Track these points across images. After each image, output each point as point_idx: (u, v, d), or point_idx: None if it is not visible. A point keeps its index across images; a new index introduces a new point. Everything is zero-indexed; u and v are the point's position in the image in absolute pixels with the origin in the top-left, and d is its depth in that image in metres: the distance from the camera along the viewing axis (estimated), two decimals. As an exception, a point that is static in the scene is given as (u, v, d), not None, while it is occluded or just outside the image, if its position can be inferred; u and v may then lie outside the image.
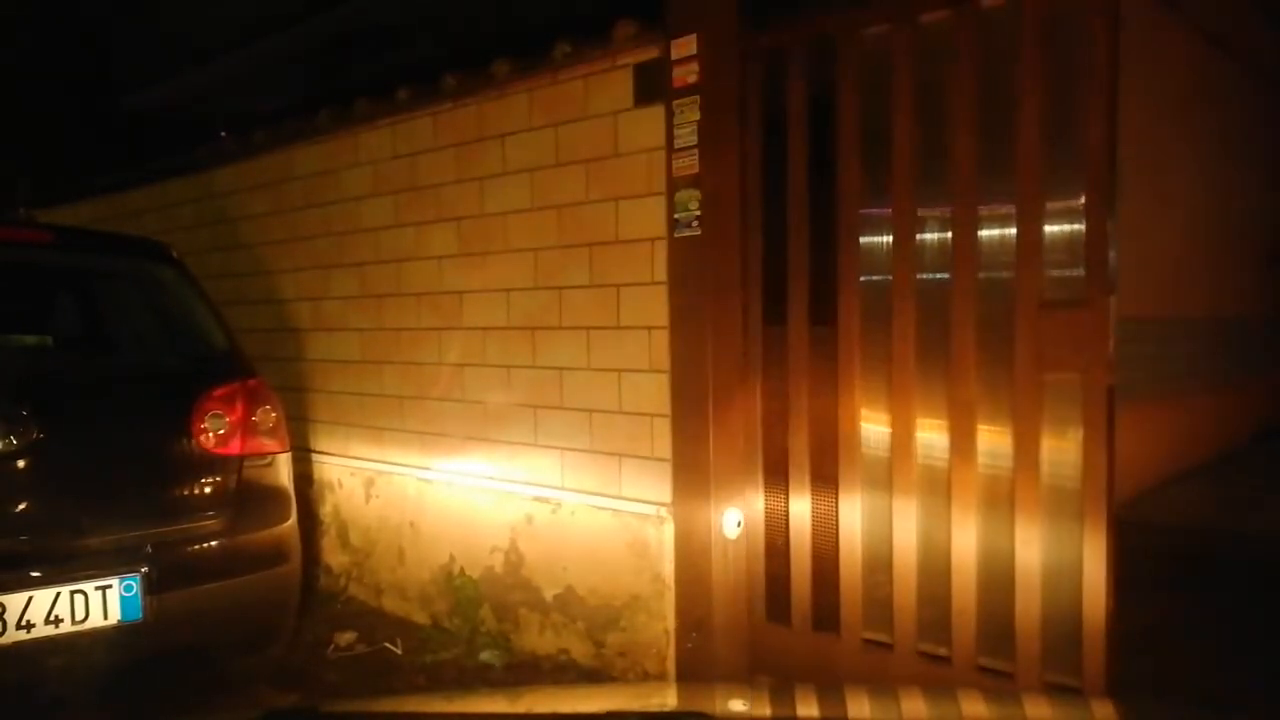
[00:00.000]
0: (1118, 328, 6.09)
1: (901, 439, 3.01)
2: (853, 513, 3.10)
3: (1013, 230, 2.87)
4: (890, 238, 3.06)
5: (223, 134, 5.68)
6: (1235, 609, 4.32)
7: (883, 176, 3.05)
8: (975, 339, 2.85)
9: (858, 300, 3.15)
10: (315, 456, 4.75)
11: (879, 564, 3.08)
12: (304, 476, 4.77)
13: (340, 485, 4.63)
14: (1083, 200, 2.80)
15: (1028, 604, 2.80)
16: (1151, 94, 6.61)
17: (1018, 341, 2.79)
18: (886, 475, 3.04)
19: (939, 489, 2.95)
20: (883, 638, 3.08)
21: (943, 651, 2.95)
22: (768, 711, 1.84)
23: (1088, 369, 2.74)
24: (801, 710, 1.81)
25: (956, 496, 2.89)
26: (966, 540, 2.88)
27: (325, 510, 4.70)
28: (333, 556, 4.65)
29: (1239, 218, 8.69)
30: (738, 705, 1.94)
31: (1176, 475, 7.01)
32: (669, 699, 2.44)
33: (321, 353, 4.78)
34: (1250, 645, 3.86)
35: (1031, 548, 2.79)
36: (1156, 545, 5.40)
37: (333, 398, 4.69)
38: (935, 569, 2.96)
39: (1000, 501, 2.84)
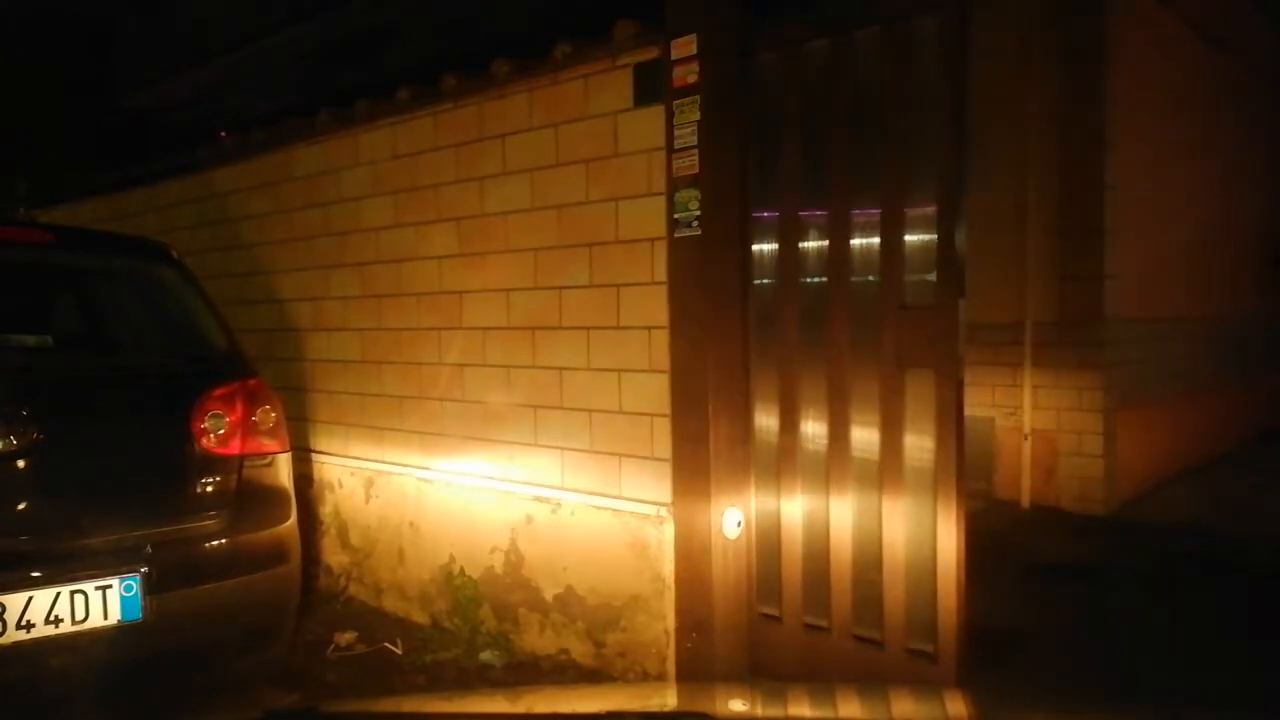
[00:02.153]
0: (1121, 328, 6.04)
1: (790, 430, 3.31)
2: (792, 506, 3.32)
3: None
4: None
5: (222, 134, 5.68)
6: (1208, 609, 4.32)
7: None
8: (849, 338, 3.17)
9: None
10: (315, 456, 4.75)
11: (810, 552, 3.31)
12: (304, 476, 4.77)
13: (340, 485, 4.63)
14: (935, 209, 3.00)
15: (893, 579, 3.11)
16: (1151, 94, 6.61)
17: (884, 340, 3.08)
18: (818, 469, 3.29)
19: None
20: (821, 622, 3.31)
21: (823, 623, 3.26)
22: (769, 712, 1.84)
23: (940, 365, 2.98)
24: (803, 711, 1.81)
25: (834, 483, 3.22)
26: (843, 522, 3.20)
27: (325, 510, 4.70)
28: (333, 556, 4.65)
29: (1241, 217, 8.69)
30: (737, 705, 1.94)
31: (1177, 475, 7.01)
32: (669, 699, 2.45)
33: (321, 353, 4.78)
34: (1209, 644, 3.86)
35: (896, 528, 3.10)
36: (1151, 545, 5.41)
37: (333, 398, 4.69)
38: (817, 551, 3.27)
39: (872, 486, 3.16)
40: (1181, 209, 7.25)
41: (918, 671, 3.06)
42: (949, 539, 2.96)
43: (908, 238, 3.05)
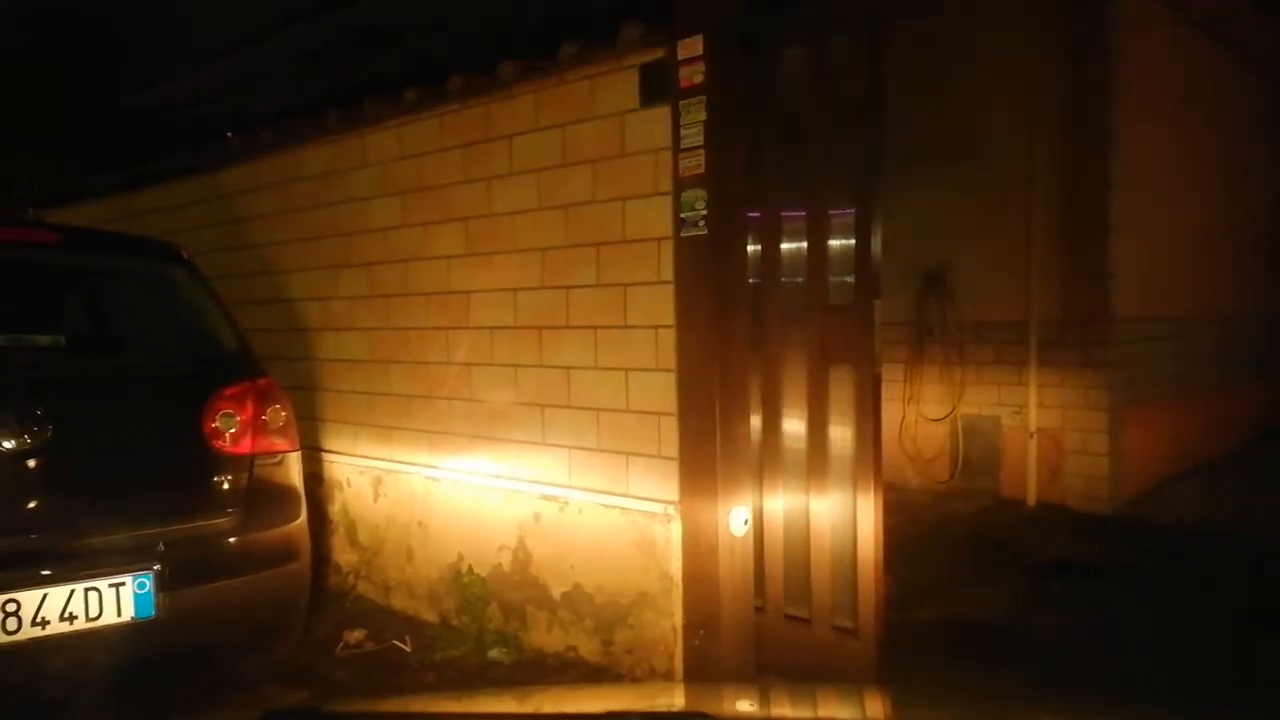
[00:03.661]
0: (1126, 327, 6.06)
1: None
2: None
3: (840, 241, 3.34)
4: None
5: (228, 135, 5.70)
6: (1212, 608, 4.33)
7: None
8: (781, 336, 3.40)
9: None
10: (324, 455, 4.78)
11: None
12: (313, 475, 4.79)
13: (348, 484, 4.65)
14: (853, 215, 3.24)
15: (820, 561, 3.37)
16: (1156, 93, 6.62)
17: (811, 339, 3.34)
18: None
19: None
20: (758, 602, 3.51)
21: (759, 603, 3.47)
22: (772, 712, 1.85)
23: (858, 362, 3.23)
24: (806, 712, 1.82)
25: (767, 473, 3.47)
26: (774, 509, 3.47)
27: (334, 509, 4.72)
28: (341, 555, 4.68)
29: (1246, 216, 8.69)
30: (745, 706, 1.94)
31: (1182, 474, 7.02)
32: (676, 699, 2.45)
33: (329, 352, 4.80)
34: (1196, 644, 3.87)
35: (822, 514, 3.36)
36: (1155, 544, 5.42)
37: (341, 397, 4.72)
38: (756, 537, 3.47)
39: (802, 474, 3.42)
40: (1186, 208, 7.26)
41: (842, 647, 3.31)
42: (868, 523, 3.21)
43: (833, 243, 3.30)
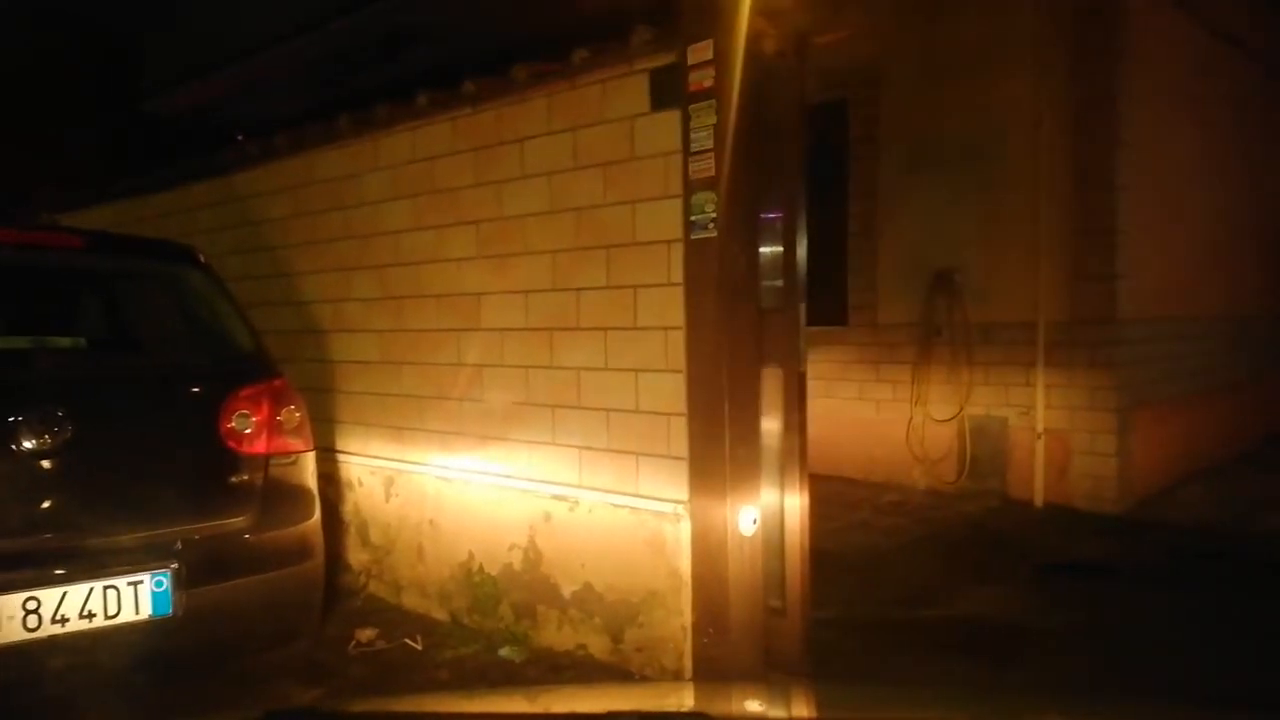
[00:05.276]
0: (1134, 328, 6.08)
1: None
2: None
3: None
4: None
5: (240, 138, 5.76)
6: (1220, 608, 4.34)
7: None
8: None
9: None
10: (336, 456, 4.82)
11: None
12: (325, 475, 4.82)
13: (360, 484, 4.70)
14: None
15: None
16: (1164, 93, 6.62)
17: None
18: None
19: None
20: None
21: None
22: (776, 712, 1.86)
23: (785, 362, 3.38)
24: (809, 711, 1.85)
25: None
26: None
27: (346, 508, 4.77)
28: (353, 554, 4.73)
29: (1254, 217, 8.68)
30: (751, 705, 1.94)
31: (1190, 475, 7.02)
32: (685, 699, 2.48)
33: (342, 354, 4.85)
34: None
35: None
36: (1163, 544, 5.43)
37: (353, 398, 4.76)
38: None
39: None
40: (1194, 208, 7.26)
41: (771, 624, 3.46)
42: (794, 512, 3.42)
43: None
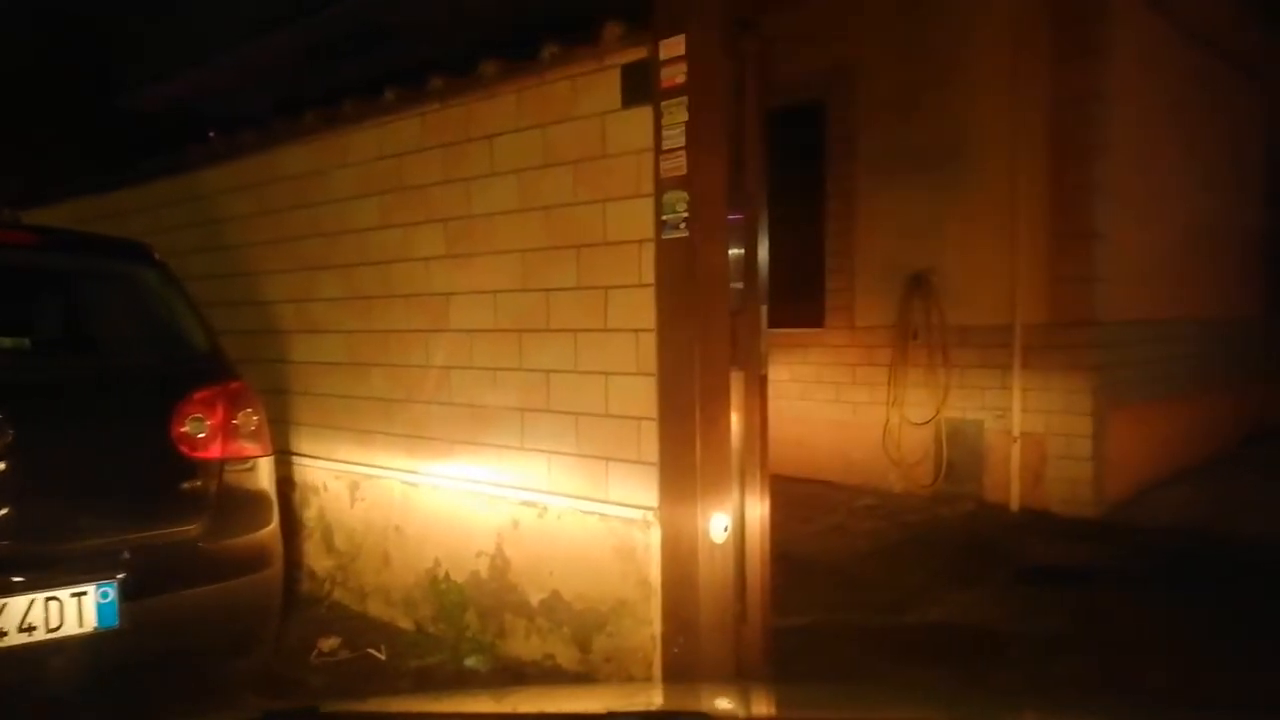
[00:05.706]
0: (1111, 331, 6.08)
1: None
2: None
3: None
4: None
5: (210, 134, 5.63)
6: (1195, 612, 4.31)
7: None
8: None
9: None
10: (301, 459, 4.71)
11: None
12: (289, 480, 4.73)
13: (325, 488, 4.58)
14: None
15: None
16: (1142, 96, 6.62)
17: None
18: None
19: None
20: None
21: None
22: (761, 711, 1.86)
23: (746, 364, 3.32)
24: (792, 711, 1.82)
25: None
26: None
27: (310, 514, 4.65)
28: (317, 560, 4.61)
29: (1231, 220, 8.70)
30: (724, 704, 1.95)
31: (1166, 478, 7.02)
32: (656, 699, 2.44)
33: (308, 355, 4.74)
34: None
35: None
36: (1139, 548, 5.41)
37: (319, 400, 4.65)
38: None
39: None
40: (1172, 211, 7.27)
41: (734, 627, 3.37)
42: (756, 518, 3.36)
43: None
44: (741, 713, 1.82)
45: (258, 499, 3.17)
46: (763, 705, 1.96)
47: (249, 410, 3.16)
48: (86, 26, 9.91)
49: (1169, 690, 3.39)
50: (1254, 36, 8.83)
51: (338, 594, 4.50)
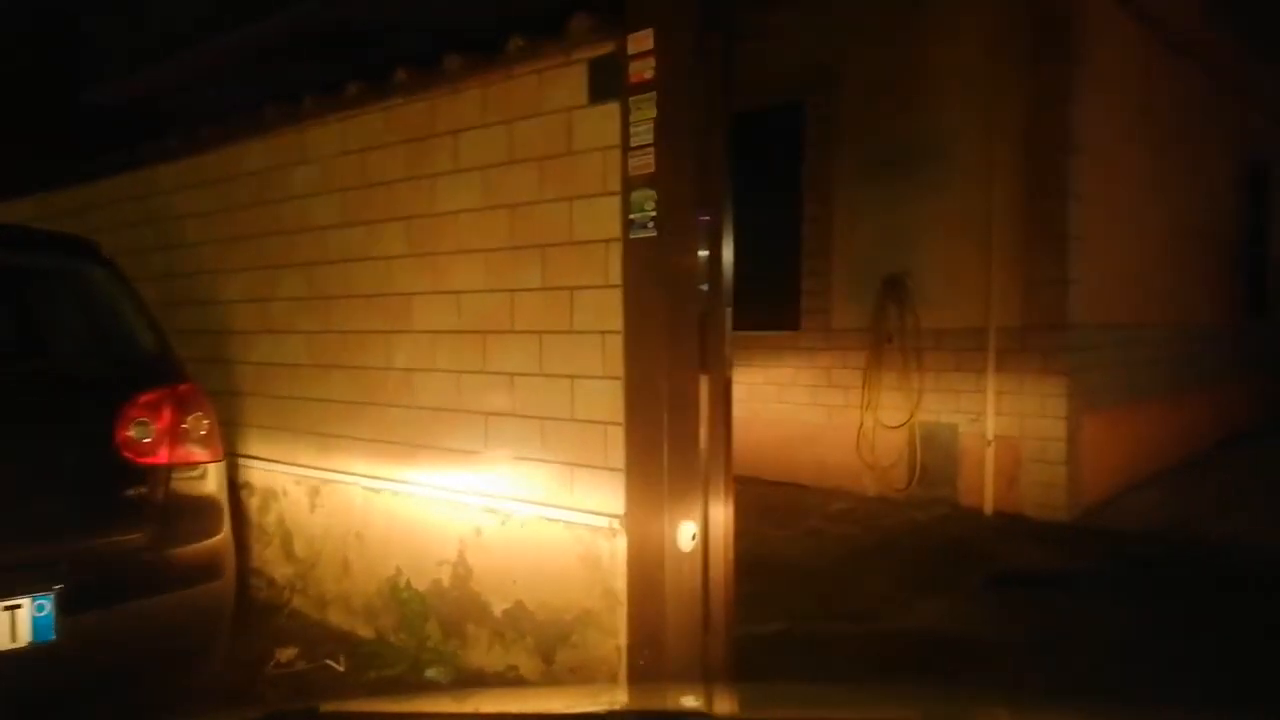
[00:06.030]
0: (1085, 334, 6.04)
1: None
2: None
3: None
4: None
5: (169, 130, 5.48)
6: (1167, 617, 4.28)
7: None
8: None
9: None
10: (261, 464, 4.57)
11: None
12: (248, 485, 4.60)
13: (285, 494, 4.45)
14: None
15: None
16: (1117, 101, 6.60)
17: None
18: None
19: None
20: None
21: None
22: (771, 711, 1.83)
23: (710, 368, 3.17)
24: (803, 711, 1.81)
25: None
26: None
27: (270, 520, 4.52)
28: (276, 568, 4.48)
29: (1204, 224, 8.73)
30: (690, 702, 1.97)
31: (1140, 481, 7.01)
32: (619, 698, 2.46)
33: (269, 356, 4.60)
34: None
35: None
36: (1112, 552, 5.38)
37: (279, 403, 4.52)
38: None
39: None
40: (1146, 217, 7.27)
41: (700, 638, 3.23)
42: (720, 525, 3.23)
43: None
44: (749, 713, 1.80)
45: (207, 506, 3.04)
46: (726, 704, 1.93)
47: (199, 414, 3.03)
48: (48, 21, 9.69)
49: (1142, 698, 3.34)
50: (1227, 44, 8.86)
51: (297, 602, 4.37)
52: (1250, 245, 10.00)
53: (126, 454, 2.83)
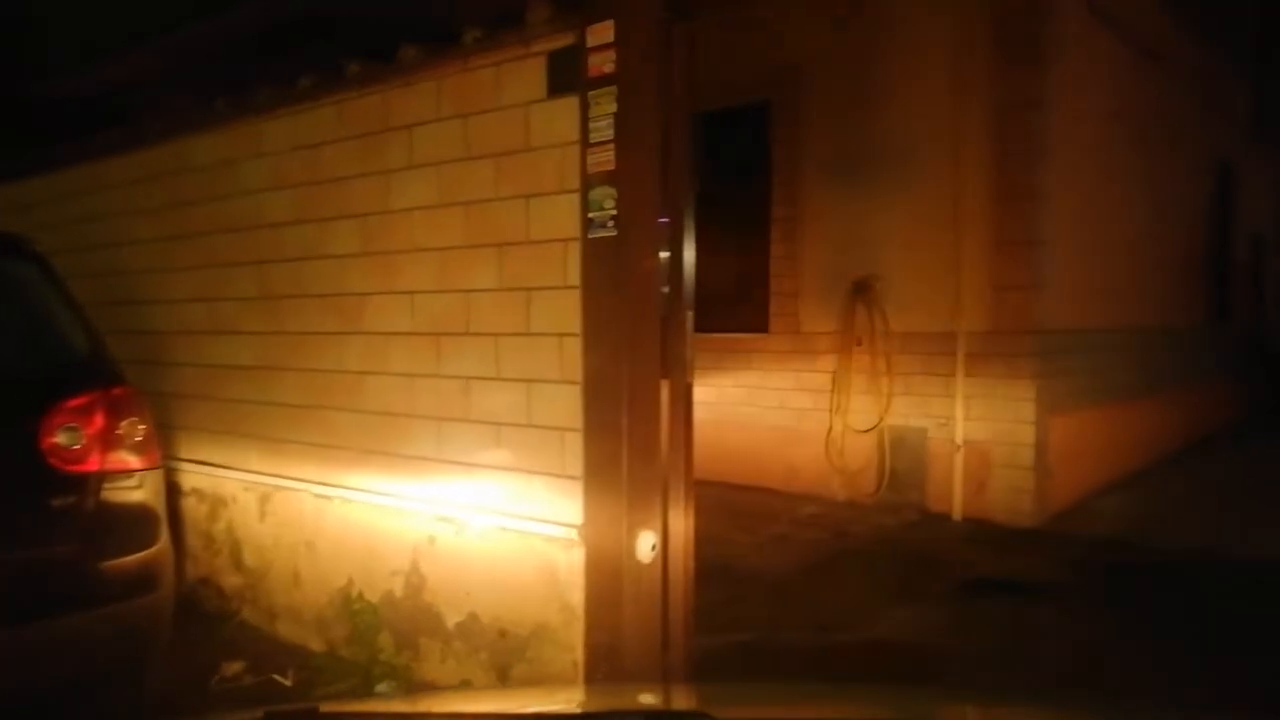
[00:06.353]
0: (1054, 339, 6.00)
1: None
2: None
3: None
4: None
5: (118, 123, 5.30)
6: (1134, 622, 4.24)
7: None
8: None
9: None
10: (210, 469, 4.41)
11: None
12: (196, 491, 4.44)
13: (235, 500, 4.29)
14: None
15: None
16: (1086, 105, 6.58)
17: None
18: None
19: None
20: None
21: None
22: (769, 711, 1.80)
23: (671, 372, 3.11)
24: (802, 711, 1.78)
25: None
26: None
27: (219, 528, 4.35)
28: (225, 578, 4.32)
29: (1173, 229, 8.76)
30: (648, 699, 1.96)
31: (1109, 486, 7.00)
32: (576, 697, 2.40)
33: (219, 357, 4.43)
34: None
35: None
36: (1080, 558, 5.34)
37: (228, 406, 4.35)
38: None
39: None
40: (1115, 221, 7.26)
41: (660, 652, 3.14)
42: (679, 536, 3.13)
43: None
44: (749, 712, 1.74)
45: (142, 516, 2.90)
46: (761, 706, 1.85)
47: (134, 419, 2.89)
48: (8, 8, 9.43)
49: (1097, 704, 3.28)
50: (1194, 52, 8.90)
51: (246, 613, 4.21)
52: (1216, 248, 10.07)
53: (54, 461, 2.68)
